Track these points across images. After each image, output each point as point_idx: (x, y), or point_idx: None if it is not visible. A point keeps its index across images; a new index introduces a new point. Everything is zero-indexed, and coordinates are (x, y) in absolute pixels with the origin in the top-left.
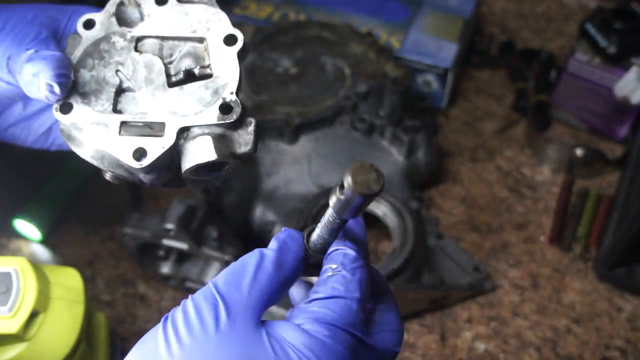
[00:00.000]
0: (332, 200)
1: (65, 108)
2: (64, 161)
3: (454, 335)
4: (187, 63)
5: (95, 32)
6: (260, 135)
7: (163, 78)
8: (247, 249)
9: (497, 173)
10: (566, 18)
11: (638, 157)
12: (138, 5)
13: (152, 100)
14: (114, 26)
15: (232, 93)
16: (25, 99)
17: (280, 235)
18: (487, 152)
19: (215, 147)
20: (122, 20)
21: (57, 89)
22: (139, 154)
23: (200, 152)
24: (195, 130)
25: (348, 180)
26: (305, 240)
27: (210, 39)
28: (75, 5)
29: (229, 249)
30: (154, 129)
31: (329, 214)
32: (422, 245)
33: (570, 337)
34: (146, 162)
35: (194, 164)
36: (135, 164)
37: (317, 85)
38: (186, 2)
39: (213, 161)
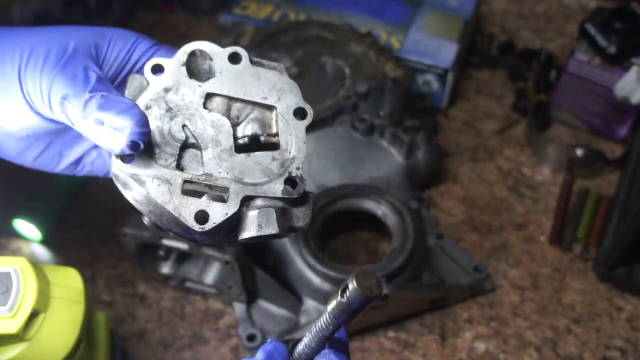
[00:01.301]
0: (331, 305)
1: (127, 157)
2: None
3: (454, 335)
4: (253, 128)
5: (163, 80)
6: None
7: (231, 142)
8: (247, 249)
9: (497, 173)
10: (566, 18)
11: (638, 157)
12: (210, 59)
13: (217, 163)
14: (183, 77)
15: (298, 168)
16: (60, 133)
17: (267, 347)
18: (487, 152)
19: (278, 221)
20: (192, 71)
21: (141, 147)
22: (202, 217)
23: (262, 224)
24: (259, 201)
25: (353, 284)
26: (289, 353)
27: (281, 108)
28: (112, 28)
29: (229, 249)
30: (218, 193)
31: (323, 321)
32: (422, 245)
33: (570, 337)
34: (208, 226)
35: (255, 234)
36: (197, 227)
37: (317, 85)
38: (259, 66)
39: (274, 234)
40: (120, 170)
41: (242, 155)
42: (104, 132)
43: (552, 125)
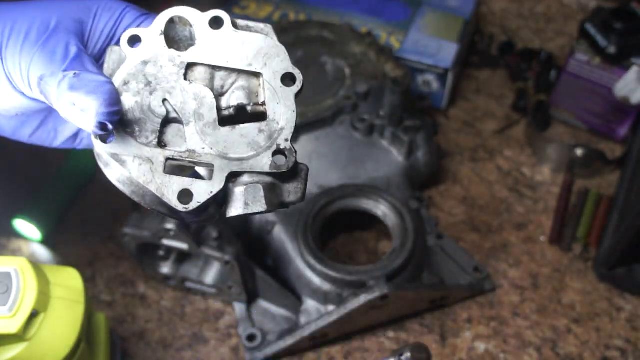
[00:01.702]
0: None
1: (106, 136)
2: (64, 161)
3: (454, 335)
4: (239, 98)
5: (141, 51)
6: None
7: (214, 115)
8: (247, 249)
9: (497, 173)
10: (566, 18)
11: (638, 157)
12: (190, 25)
13: (200, 138)
14: (162, 47)
15: (287, 140)
16: (51, 111)
17: None
18: (487, 152)
19: (265, 198)
20: (171, 39)
21: (109, 127)
22: (185, 196)
23: (249, 202)
24: (245, 177)
25: (407, 355)
26: None
27: (267, 74)
28: None
29: (229, 249)
30: (201, 170)
31: None
32: (422, 245)
33: (570, 337)
34: (192, 205)
35: (242, 213)
36: (181, 207)
37: (317, 85)
38: (243, 29)
39: (263, 212)
40: (101, 150)
41: (227, 129)
42: (75, 112)
43: (552, 125)
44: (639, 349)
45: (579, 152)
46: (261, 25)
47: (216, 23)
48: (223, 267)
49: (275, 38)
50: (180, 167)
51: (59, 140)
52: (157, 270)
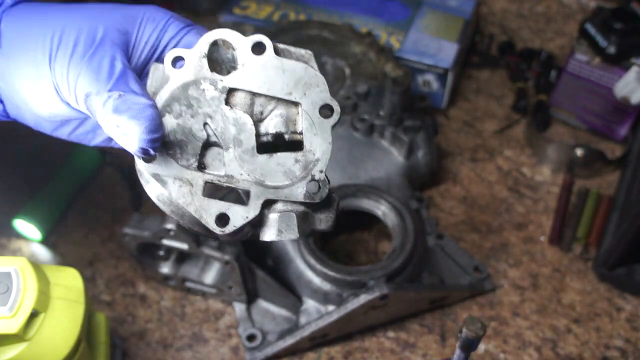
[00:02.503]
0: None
1: (148, 156)
2: (64, 161)
3: (454, 335)
4: (277, 125)
5: (184, 73)
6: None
7: (253, 142)
8: (247, 249)
9: (497, 173)
10: (566, 18)
11: (638, 157)
12: (232, 49)
13: (239, 164)
14: (204, 70)
15: (321, 171)
16: (85, 115)
17: None
18: (487, 152)
19: (298, 226)
20: (214, 62)
21: (151, 152)
22: (222, 220)
23: (283, 229)
24: (280, 205)
25: (464, 331)
26: None
27: (306, 104)
28: (144, 7)
29: (229, 249)
30: (238, 195)
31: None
32: (422, 245)
33: (570, 337)
34: (229, 229)
35: (275, 238)
36: (217, 230)
37: None
38: (285, 55)
39: (294, 238)
40: (143, 168)
41: (265, 157)
42: (119, 134)
43: (552, 125)
44: (639, 349)
45: (579, 152)
46: (302, 52)
47: (258, 48)
48: (223, 267)
49: (315, 66)
50: (220, 194)
51: (97, 140)
52: (157, 270)
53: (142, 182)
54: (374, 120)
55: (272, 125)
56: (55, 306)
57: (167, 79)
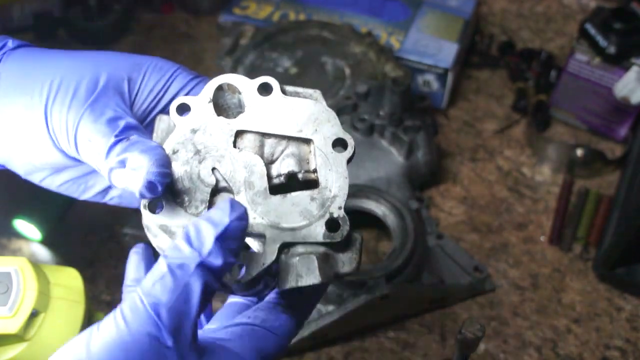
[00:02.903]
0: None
1: (154, 207)
2: None
3: (454, 335)
4: (290, 165)
5: (190, 120)
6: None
7: (265, 183)
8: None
9: (497, 173)
10: (566, 18)
11: (638, 157)
12: (238, 92)
13: (252, 208)
14: (210, 115)
15: (340, 208)
16: (81, 170)
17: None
18: (487, 152)
19: (320, 269)
20: (220, 107)
21: (158, 188)
22: (237, 269)
23: (303, 273)
24: (298, 248)
25: (463, 332)
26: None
27: (318, 141)
28: (150, 57)
29: None
30: (253, 241)
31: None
32: (422, 245)
33: (570, 337)
34: (244, 279)
35: (295, 285)
36: (232, 281)
37: (317, 85)
38: (292, 95)
39: (317, 284)
40: (150, 221)
41: (278, 197)
42: (123, 173)
43: (552, 125)
44: (639, 349)
45: (579, 152)
46: (310, 91)
47: (265, 89)
48: None
49: (324, 103)
50: None
51: (88, 194)
52: None
53: (150, 237)
54: (374, 120)
55: (284, 165)
56: (55, 306)
57: (172, 130)
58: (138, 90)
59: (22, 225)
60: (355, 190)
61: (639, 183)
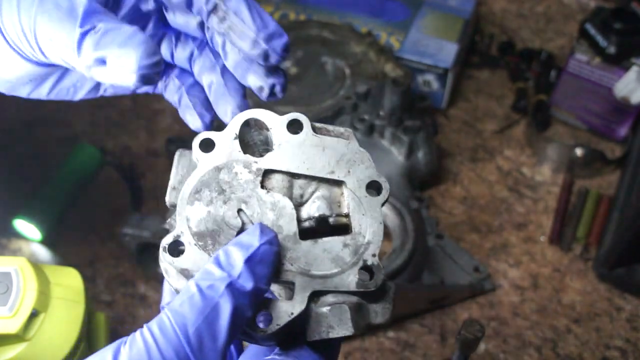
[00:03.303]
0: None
1: (176, 249)
2: (64, 161)
3: (454, 335)
4: (320, 208)
5: (215, 157)
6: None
7: (294, 227)
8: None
9: (497, 173)
10: (566, 18)
11: (638, 157)
12: (266, 129)
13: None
14: (236, 152)
15: (374, 255)
16: (61, 70)
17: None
18: (487, 152)
19: (352, 320)
20: (247, 144)
21: (155, 79)
22: (263, 317)
23: (334, 324)
24: (329, 297)
25: (463, 333)
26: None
27: (351, 183)
28: None
29: None
30: (281, 288)
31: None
32: (422, 245)
33: (570, 337)
34: (271, 329)
35: (326, 337)
36: (258, 331)
37: (317, 85)
38: (323, 133)
39: (349, 335)
40: (170, 265)
41: (308, 242)
42: (108, 70)
43: (552, 125)
44: (639, 349)
45: (579, 152)
46: (341, 129)
47: (295, 127)
48: None
49: (357, 142)
50: None
51: (80, 94)
52: (157, 270)
53: (169, 279)
54: (374, 120)
55: (314, 208)
56: (55, 306)
57: (194, 166)
58: None
59: (22, 225)
60: None
61: (639, 183)
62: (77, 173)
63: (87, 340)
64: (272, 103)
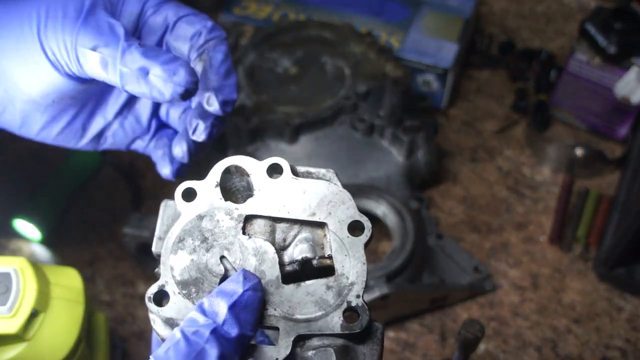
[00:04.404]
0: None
1: (160, 299)
2: (64, 161)
3: (454, 335)
4: (303, 251)
5: (197, 206)
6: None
7: (277, 271)
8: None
9: (497, 173)
10: (566, 18)
11: (638, 157)
12: (247, 175)
13: None
14: (217, 199)
15: (358, 296)
16: (85, 102)
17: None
18: (487, 152)
19: None
20: (228, 191)
21: (192, 95)
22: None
23: None
24: (314, 341)
25: (463, 332)
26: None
27: (332, 224)
28: None
29: None
30: (264, 334)
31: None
32: (422, 245)
33: (570, 337)
34: None
35: None
36: None
37: (317, 85)
38: (303, 176)
39: None
40: (156, 315)
41: (291, 287)
42: (149, 81)
43: (552, 125)
44: (639, 349)
45: (579, 152)
46: (323, 171)
47: (275, 171)
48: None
49: (338, 183)
50: None
51: (85, 140)
52: (157, 270)
53: (155, 328)
54: (374, 120)
55: (297, 251)
56: (55, 306)
57: (178, 216)
58: (120, 11)
59: (22, 225)
60: (355, 190)
61: (639, 183)
62: (77, 173)
63: (87, 340)
64: (272, 102)
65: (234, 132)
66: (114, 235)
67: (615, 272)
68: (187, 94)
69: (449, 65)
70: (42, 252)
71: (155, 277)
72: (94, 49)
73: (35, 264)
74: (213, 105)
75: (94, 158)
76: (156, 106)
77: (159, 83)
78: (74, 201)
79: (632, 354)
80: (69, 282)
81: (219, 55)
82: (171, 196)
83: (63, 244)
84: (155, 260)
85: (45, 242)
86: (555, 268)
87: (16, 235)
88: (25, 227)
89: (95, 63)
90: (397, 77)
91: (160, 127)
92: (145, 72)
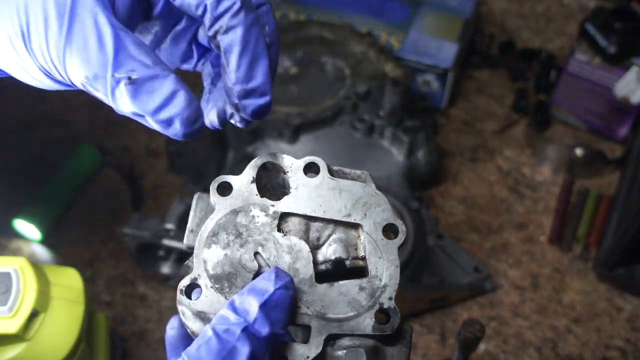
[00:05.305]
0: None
1: (192, 292)
2: (64, 161)
3: (454, 335)
4: (337, 251)
5: (232, 200)
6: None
7: (310, 270)
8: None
9: (497, 173)
10: (566, 18)
11: (638, 157)
12: (283, 172)
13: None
14: (253, 195)
15: (390, 299)
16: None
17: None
18: (487, 152)
19: None
20: (264, 188)
21: (199, 133)
22: None
23: None
24: (345, 340)
25: (463, 332)
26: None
27: (367, 226)
28: None
29: None
30: (297, 331)
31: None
32: (422, 245)
33: (570, 337)
34: None
35: None
36: None
37: (317, 85)
38: (340, 176)
39: None
40: (186, 308)
41: (325, 286)
42: (148, 123)
43: (552, 125)
44: (639, 349)
45: (579, 152)
46: (358, 172)
47: (311, 170)
48: None
49: (373, 185)
50: None
51: None
52: (157, 270)
53: (186, 321)
54: (374, 120)
55: (331, 251)
56: (55, 306)
57: (212, 209)
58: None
59: (22, 225)
60: None
61: (639, 183)
62: (77, 173)
63: (87, 340)
64: (273, 102)
65: (234, 132)
66: (114, 235)
67: (615, 272)
68: (189, 138)
69: (449, 65)
70: (42, 252)
71: (182, 273)
72: (86, 79)
73: (35, 264)
74: (239, 123)
75: (94, 158)
76: (195, 32)
77: (156, 127)
78: (74, 201)
79: (632, 354)
80: (69, 282)
81: (233, 41)
82: (175, 196)
83: (63, 244)
84: (155, 260)
85: (45, 242)
86: (555, 268)
87: (16, 235)
88: (25, 227)
89: (89, 90)
90: (397, 77)
91: (204, 51)
92: (141, 116)
